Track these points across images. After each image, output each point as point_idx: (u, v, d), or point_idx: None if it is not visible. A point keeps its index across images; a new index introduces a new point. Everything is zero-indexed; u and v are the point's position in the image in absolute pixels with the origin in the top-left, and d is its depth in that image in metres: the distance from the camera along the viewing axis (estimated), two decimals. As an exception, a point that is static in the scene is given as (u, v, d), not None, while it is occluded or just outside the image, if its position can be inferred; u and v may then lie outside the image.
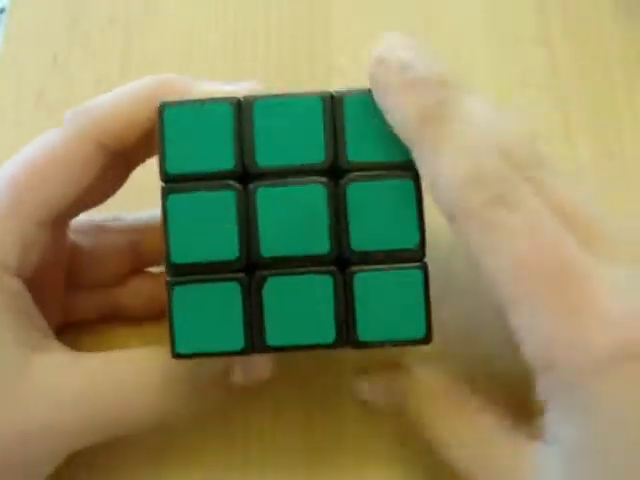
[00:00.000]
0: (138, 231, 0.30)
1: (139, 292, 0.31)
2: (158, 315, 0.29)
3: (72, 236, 0.30)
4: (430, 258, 0.24)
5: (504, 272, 0.22)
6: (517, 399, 0.25)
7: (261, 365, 0.27)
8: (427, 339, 0.24)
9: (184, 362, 0.24)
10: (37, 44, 0.39)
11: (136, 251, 0.30)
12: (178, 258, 0.23)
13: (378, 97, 0.24)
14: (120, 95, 0.26)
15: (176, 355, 0.24)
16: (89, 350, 0.26)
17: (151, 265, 0.31)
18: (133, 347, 0.27)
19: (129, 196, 0.29)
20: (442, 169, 0.22)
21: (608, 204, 0.24)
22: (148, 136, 0.26)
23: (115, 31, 0.39)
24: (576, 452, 0.22)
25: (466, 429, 0.25)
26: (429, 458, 0.27)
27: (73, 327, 0.30)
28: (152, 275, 0.31)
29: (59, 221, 0.27)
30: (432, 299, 0.24)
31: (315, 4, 0.40)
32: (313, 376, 0.30)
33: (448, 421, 0.25)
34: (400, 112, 0.23)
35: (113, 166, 0.27)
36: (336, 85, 0.27)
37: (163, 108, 0.24)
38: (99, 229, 0.30)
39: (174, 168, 0.24)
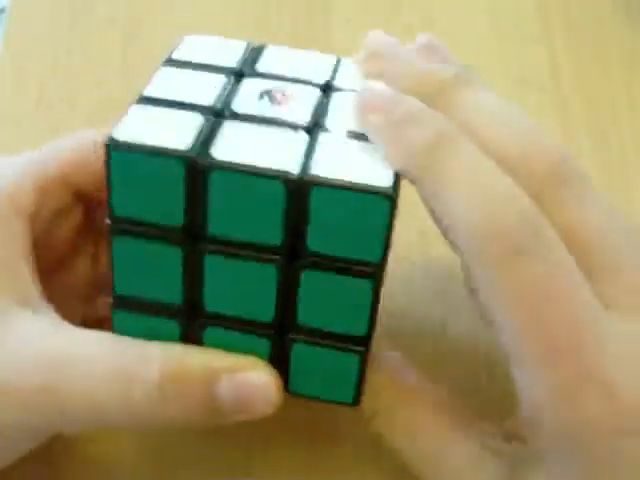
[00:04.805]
0: None
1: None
2: None
3: None
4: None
5: (512, 324, 0.21)
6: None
7: (261, 391, 0.24)
8: (355, 403, 0.24)
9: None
10: (37, 44, 0.39)
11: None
12: (121, 290, 0.23)
13: (375, 142, 0.22)
14: None
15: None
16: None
17: None
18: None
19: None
20: (454, 213, 0.21)
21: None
22: None
23: (115, 31, 0.40)
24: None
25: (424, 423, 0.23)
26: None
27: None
28: None
29: (82, 201, 0.27)
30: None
31: (315, 4, 0.40)
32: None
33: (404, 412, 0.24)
34: (400, 156, 0.21)
35: None
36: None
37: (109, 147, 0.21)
38: None
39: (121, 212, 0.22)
